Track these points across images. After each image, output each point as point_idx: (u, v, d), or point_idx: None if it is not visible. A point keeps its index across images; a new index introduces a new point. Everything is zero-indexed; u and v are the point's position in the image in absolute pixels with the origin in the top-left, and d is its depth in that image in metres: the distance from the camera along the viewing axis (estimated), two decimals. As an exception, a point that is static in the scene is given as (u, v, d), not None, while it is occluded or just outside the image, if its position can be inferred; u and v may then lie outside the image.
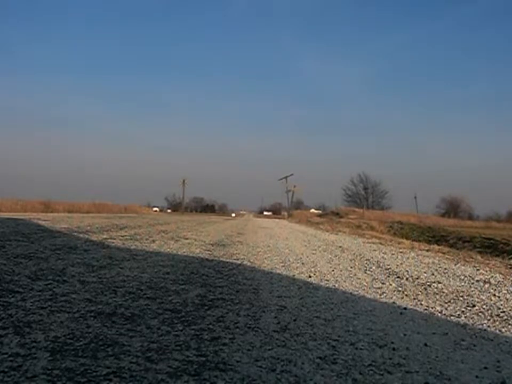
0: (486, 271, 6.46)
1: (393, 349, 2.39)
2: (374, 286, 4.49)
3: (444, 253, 9.58)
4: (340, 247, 9.69)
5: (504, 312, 3.63)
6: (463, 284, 5.05)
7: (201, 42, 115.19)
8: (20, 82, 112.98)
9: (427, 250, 10.09)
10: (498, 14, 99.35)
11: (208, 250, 6.66)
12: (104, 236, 7.58)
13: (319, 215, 56.32)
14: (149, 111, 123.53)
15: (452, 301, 3.96)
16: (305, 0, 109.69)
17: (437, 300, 3.96)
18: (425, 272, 5.82)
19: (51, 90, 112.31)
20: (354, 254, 8.05)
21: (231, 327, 2.56)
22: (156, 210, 68.95)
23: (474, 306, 3.79)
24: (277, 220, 45.01)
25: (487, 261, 8.30)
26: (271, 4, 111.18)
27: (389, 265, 6.43)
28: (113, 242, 6.71)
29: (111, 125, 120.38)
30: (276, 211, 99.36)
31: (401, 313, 3.30)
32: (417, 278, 5.20)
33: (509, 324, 3.22)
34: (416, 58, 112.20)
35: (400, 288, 4.43)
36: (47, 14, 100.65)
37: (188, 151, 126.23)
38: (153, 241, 7.51)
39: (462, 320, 3.25)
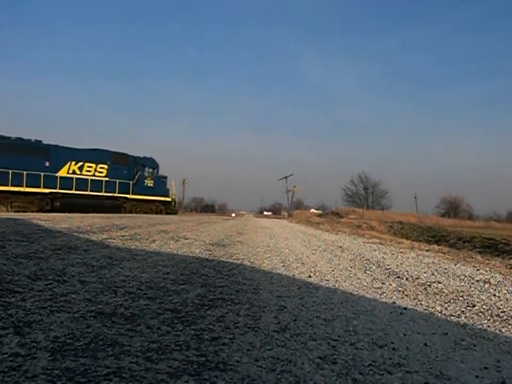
0: (486, 271, 6.46)
1: (393, 348, 2.39)
2: (374, 286, 4.49)
3: (444, 253, 9.58)
4: (340, 247, 9.68)
5: (504, 312, 3.63)
6: (463, 283, 5.05)
7: (202, 44, 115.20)
8: (20, 82, 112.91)
9: (427, 250, 10.09)
10: (497, 17, 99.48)
11: (208, 250, 6.66)
12: (104, 236, 7.58)
13: (319, 215, 56.31)
14: (149, 111, 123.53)
15: (452, 301, 3.96)
16: (306, 2, 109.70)
17: (437, 299, 3.96)
18: (425, 272, 5.82)
19: (52, 91, 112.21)
20: (354, 254, 8.05)
21: (231, 327, 2.56)
22: (156, 210, 68.77)
23: (474, 306, 3.79)
24: (277, 220, 44.98)
25: (487, 261, 8.30)
26: (272, 6, 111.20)
27: (389, 265, 6.43)
28: (113, 242, 6.71)
29: (111, 125, 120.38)
30: (276, 211, 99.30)
31: (401, 313, 3.30)
32: (417, 278, 5.20)
33: (509, 324, 3.22)
34: (416, 59, 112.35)
35: (400, 288, 4.43)
36: (48, 17, 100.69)
37: (188, 151, 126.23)
38: (153, 241, 7.50)
39: (462, 320, 3.25)
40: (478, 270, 6.59)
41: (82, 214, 18.04)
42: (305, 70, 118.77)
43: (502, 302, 4.04)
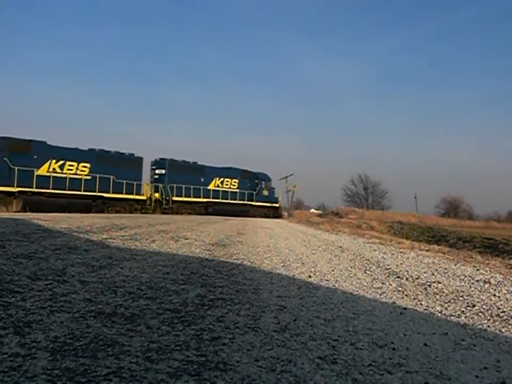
0: (486, 271, 6.46)
1: (393, 348, 2.40)
2: (374, 286, 4.49)
3: (444, 253, 9.58)
4: (340, 247, 9.68)
5: (504, 312, 3.63)
6: (463, 283, 5.05)
7: (201, 41, 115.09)
8: (20, 83, 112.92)
9: (427, 250, 10.09)
10: (497, 16, 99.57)
11: (208, 250, 6.66)
12: (104, 236, 7.58)
13: (319, 215, 56.19)
14: (149, 111, 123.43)
15: (452, 301, 3.96)
16: (306, 2, 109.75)
17: (437, 299, 3.97)
18: (425, 272, 5.82)
19: (51, 91, 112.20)
20: (354, 254, 8.05)
21: (231, 327, 2.56)
22: (156, 210, 68.72)
23: (474, 306, 3.79)
24: (277, 220, 44.92)
25: (487, 261, 8.30)
26: (272, 4, 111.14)
27: (389, 265, 6.43)
28: (113, 242, 6.71)
29: (111, 125, 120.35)
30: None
31: (401, 313, 3.30)
32: (417, 278, 5.20)
33: (509, 324, 3.22)
34: (416, 59, 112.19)
35: (400, 288, 4.43)
36: (49, 17, 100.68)
37: (188, 151, 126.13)
38: (153, 241, 7.50)
39: (462, 320, 3.25)
40: (478, 270, 6.59)
41: (82, 214, 18.08)
42: (305, 70, 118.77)
43: (502, 302, 4.04)
